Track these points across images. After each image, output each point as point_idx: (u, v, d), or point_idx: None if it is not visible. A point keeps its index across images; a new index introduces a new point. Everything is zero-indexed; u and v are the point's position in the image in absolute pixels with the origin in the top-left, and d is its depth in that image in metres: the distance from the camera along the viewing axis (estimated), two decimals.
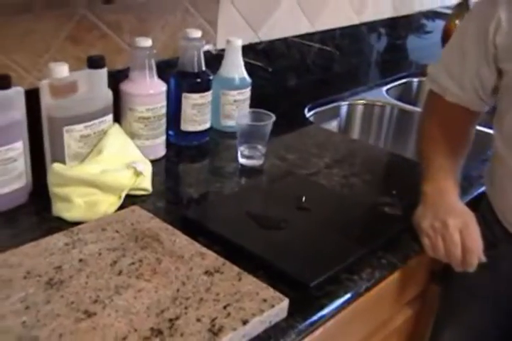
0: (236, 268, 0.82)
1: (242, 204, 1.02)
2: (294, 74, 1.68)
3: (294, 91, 1.65)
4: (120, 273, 0.79)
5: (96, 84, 1.03)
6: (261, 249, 0.88)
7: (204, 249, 0.86)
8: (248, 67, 1.33)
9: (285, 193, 1.07)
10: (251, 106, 1.32)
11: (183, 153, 1.24)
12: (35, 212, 0.99)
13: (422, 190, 1.03)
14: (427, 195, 1.01)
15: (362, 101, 1.69)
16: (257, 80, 1.35)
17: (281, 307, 0.76)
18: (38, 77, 1.05)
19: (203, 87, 1.22)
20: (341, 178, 1.17)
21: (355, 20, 1.83)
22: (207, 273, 0.81)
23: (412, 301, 1.11)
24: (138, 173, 1.02)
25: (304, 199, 1.03)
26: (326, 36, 1.72)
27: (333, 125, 1.65)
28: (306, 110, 1.52)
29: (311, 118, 1.52)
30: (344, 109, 1.68)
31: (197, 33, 1.18)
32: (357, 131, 1.75)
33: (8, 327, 0.69)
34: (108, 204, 0.98)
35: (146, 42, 1.09)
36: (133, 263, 0.82)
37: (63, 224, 0.93)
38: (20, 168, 0.97)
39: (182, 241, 0.88)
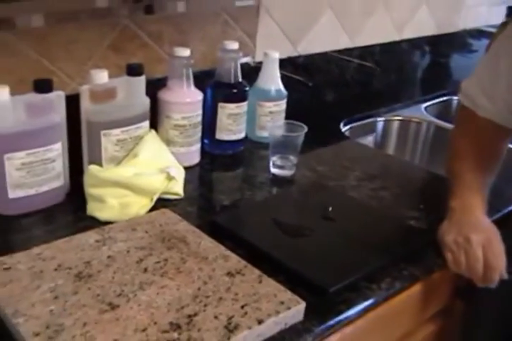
0: (257, 271, 0.84)
1: (269, 212, 1.04)
2: (333, 89, 1.69)
3: (331, 106, 1.66)
4: (145, 270, 0.83)
5: (134, 91, 1.06)
6: (283, 254, 0.90)
7: (228, 252, 0.89)
8: (286, 80, 1.35)
9: (312, 203, 1.09)
10: (287, 118, 1.33)
11: (217, 161, 1.27)
12: (71, 211, 1.03)
13: (449, 205, 1.03)
14: (454, 211, 1.02)
15: (398, 118, 1.69)
16: (294, 94, 1.37)
17: (297, 309, 0.78)
18: (81, 83, 1.08)
19: (239, 97, 1.25)
20: (370, 191, 1.18)
21: (396, 37, 1.84)
22: (228, 274, 0.83)
23: (434, 316, 1.10)
24: (170, 178, 1.05)
25: (330, 209, 1.05)
26: (365, 52, 1.74)
27: (368, 140, 1.65)
28: (341, 124, 1.53)
29: (347, 133, 1.53)
30: (380, 125, 1.68)
31: (234, 45, 1.21)
32: (392, 147, 1.75)
33: (37, 314, 0.73)
34: (140, 205, 1.01)
35: (185, 52, 1.12)
36: (158, 262, 0.85)
37: (96, 223, 0.97)
38: (59, 168, 1.01)
39: (207, 244, 0.90)
